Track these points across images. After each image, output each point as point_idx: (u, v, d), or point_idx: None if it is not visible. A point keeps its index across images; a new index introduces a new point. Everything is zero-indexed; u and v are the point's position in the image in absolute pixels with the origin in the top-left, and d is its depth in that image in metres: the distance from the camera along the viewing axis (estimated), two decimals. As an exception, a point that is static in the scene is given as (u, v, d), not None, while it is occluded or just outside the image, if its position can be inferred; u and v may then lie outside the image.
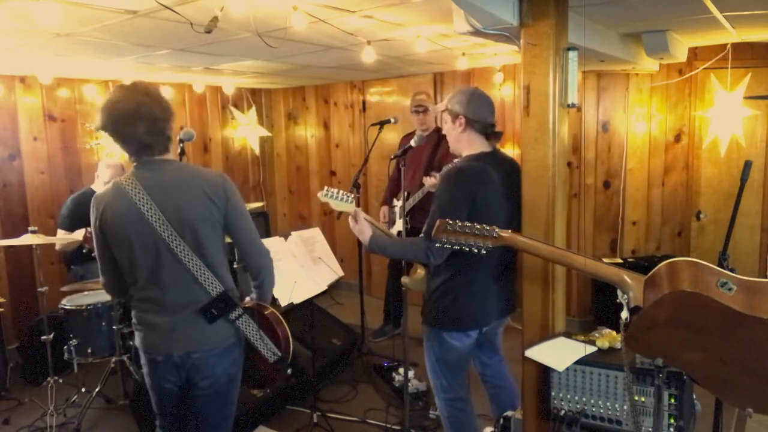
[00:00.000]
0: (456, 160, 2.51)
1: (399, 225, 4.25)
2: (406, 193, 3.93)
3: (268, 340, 2.14)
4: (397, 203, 4.39)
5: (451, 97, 2.48)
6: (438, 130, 4.21)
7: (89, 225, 3.78)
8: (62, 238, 3.79)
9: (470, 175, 2.36)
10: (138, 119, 1.93)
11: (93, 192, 3.99)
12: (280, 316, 2.24)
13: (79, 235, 3.62)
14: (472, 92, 2.46)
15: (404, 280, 2.68)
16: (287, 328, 2.24)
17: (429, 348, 2.56)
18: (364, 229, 2.48)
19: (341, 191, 2.55)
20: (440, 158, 4.13)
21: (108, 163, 4.05)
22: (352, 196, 2.56)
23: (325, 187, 2.60)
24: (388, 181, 4.66)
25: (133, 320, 2.13)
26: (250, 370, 2.23)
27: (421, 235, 2.39)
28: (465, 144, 2.47)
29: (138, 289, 2.07)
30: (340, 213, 2.61)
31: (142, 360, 2.15)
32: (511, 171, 2.48)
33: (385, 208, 4.60)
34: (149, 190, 1.97)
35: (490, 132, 2.47)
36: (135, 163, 2.03)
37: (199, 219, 2.00)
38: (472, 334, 2.49)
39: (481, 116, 2.43)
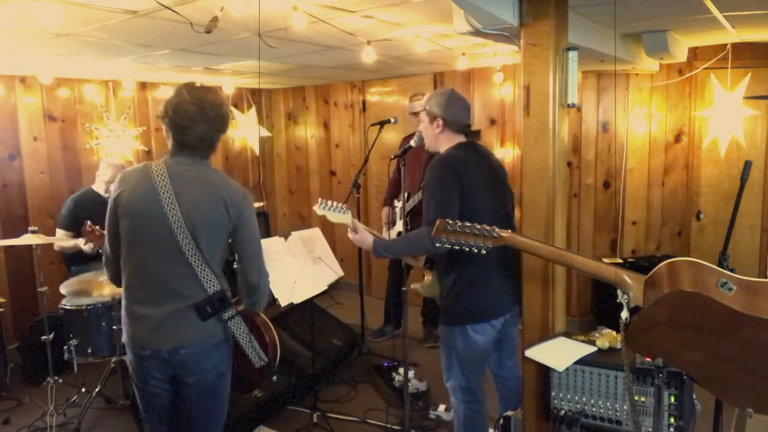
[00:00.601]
0: None
1: (399, 226, 4.25)
2: (406, 194, 3.93)
3: (257, 344, 2.14)
4: (398, 204, 4.39)
5: (429, 99, 2.57)
6: None
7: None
8: (61, 238, 3.79)
9: (454, 160, 2.44)
10: (196, 125, 2.00)
11: (93, 192, 4.00)
12: (269, 323, 2.24)
13: (80, 242, 3.61)
14: (449, 95, 2.53)
15: (415, 286, 2.71)
16: (275, 334, 2.23)
17: (450, 348, 2.54)
18: (365, 237, 2.55)
19: (336, 203, 2.59)
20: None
21: (109, 162, 4.05)
22: (346, 206, 2.59)
23: (320, 200, 2.62)
24: (388, 182, 4.66)
25: (122, 312, 2.11)
26: (234, 373, 2.22)
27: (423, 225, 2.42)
28: (443, 142, 2.56)
29: (131, 274, 2.06)
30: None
31: (128, 356, 2.13)
32: (490, 157, 2.62)
33: (386, 209, 4.59)
34: (173, 180, 2.01)
35: (468, 132, 2.57)
36: (171, 155, 2.07)
37: (209, 220, 2.02)
38: (496, 325, 2.50)
39: (458, 118, 2.52)
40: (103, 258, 2.20)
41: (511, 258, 2.53)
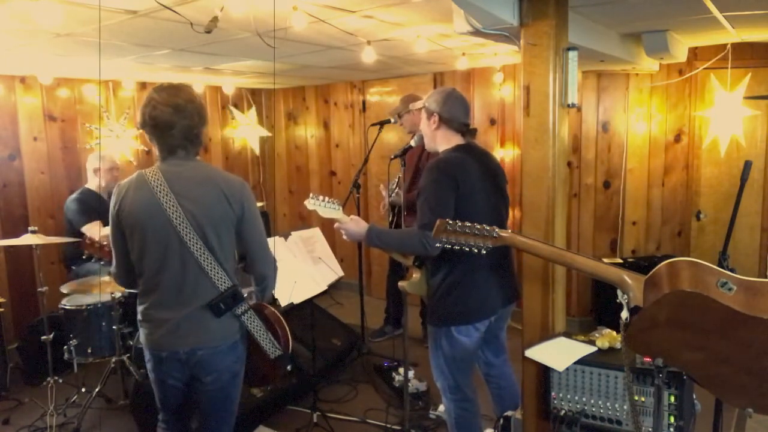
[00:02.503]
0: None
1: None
2: (398, 189, 3.93)
3: (271, 336, 2.16)
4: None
5: (429, 96, 2.57)
6: None
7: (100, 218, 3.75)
8: (97, 228, 3.79)
9: (452, 164, 2.43)
10: (176, 124, 2.00)
11: (91, 191, 4.03)
12: (280, 315, 2.26)
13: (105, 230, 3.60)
14: (449, 93, 2.53)
15: (401, 284, 2.69)
16: (286, 326, 2.26)
17: (437, 348, 2.55)
18: (360, 223, 2.52)
19: (327, 198, 2.57)
20: (425, 158, 4.12)
21: (96, 157, 4.11)
22: (338, 201, 2.58)
23: (311, 194, 2.61)
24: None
25: (139, 316, 2.13)
26: (249, 368, 2.24)
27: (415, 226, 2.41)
28: (440, 140, 2.55)
29: (146, 281, 2.08)
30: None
31: (146, 356, 2.16)
32: (487, 160, 2.59)
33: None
34: (170, 183, 2.01)
35: (465, 131, 2.56)
36: (162, 160, 2.08)
37: (214, 216, 2.04)
38: (480, 327, 2.50)
39: (454, 116, 2.51)
40: (112, 272, 2.21)
41: (502, 260, 2.53)
